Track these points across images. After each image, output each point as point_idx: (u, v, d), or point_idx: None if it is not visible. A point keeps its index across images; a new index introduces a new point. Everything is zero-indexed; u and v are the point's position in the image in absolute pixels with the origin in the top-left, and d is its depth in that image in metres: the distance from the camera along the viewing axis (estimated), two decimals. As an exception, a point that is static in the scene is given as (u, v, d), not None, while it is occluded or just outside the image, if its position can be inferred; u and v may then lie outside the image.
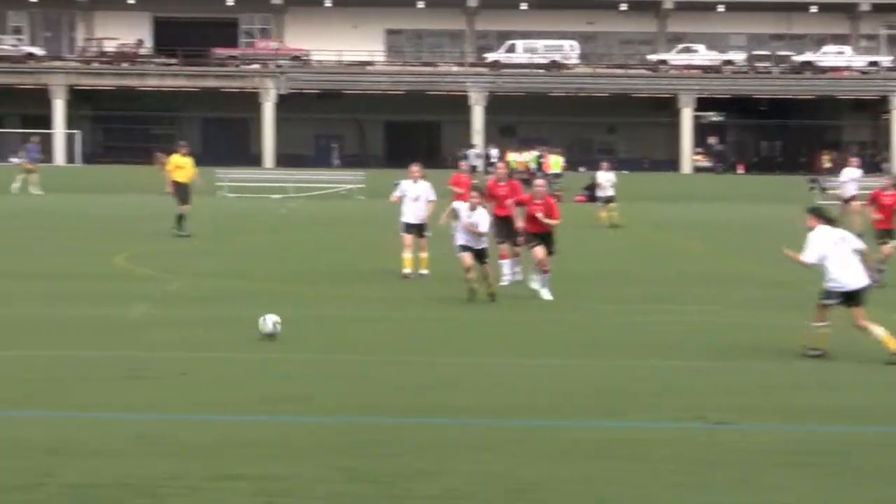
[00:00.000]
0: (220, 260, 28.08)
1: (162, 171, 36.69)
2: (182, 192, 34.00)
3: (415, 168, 25.18)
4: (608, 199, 42.26)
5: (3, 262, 27.06)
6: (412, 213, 24.40)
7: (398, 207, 24.83)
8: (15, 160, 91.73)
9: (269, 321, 16.42)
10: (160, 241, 32.57)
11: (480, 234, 20.90)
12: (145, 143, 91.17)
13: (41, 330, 17.54)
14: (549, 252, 21.55)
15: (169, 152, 36.55)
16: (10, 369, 14.43)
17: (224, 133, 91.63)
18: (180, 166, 34.28)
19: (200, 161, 75.06)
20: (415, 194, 24.57)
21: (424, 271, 24.35)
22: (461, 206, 21.30)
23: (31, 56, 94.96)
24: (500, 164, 24.58)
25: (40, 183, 57.33)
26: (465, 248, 20.87)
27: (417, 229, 24.34)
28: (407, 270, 23.99)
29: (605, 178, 42.82)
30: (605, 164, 44.75)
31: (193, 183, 34.55)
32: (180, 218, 33.75)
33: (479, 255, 20.90)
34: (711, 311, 20.55)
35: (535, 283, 21.66)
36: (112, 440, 11.03)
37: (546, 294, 21.33)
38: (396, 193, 25.30)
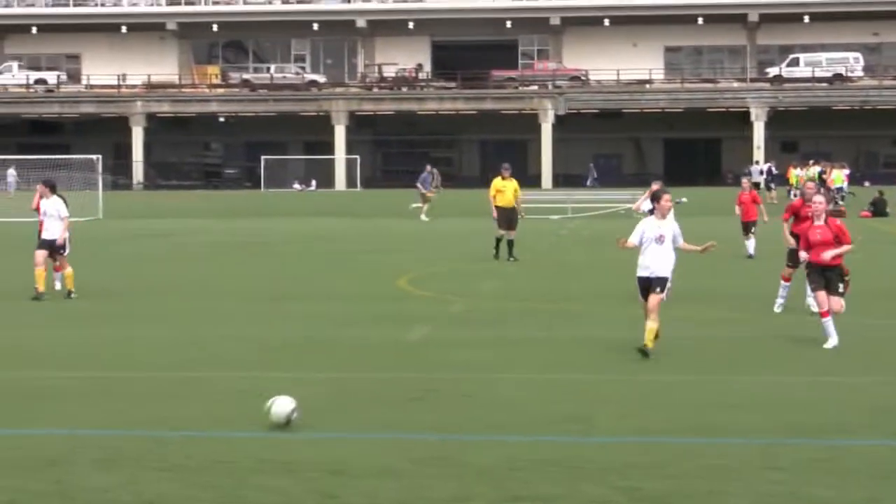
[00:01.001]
0: (501, 281, 28.02)
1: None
2: (503, 216, 32.59)
3: (656, 186, 24.64)
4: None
5: (288, 285, 27.57)
6: None
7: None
8: (297, 186, 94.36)
9: (284, 409, 12.37)
10: (441, 264, 32.74)
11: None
12: (423, 166, 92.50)
13: (323, 351, 17.68)
14: (834, 290, 17.67)
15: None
16: (293, 391, 14.52)
17: (502, 155, 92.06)
18: (500, 190, 32.82)
19: (478, 184, 75.80)
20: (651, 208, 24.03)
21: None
22: (646, 222, 17.29)
23: (313, 83, 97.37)
24: (810, 185, 22.65)
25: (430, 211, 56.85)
26: (641, 281, 17.00)
27: None
28: None
29: None
30: None
31: (517, 207, 33.06)
32: (498, 241, 32.57)
33: (654, 285, 16.87)
34: None
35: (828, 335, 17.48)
36: (396, 461, 10.93)
37: (832, 341, 17.40)
38: (643, 208, 24.94)
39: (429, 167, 63.26)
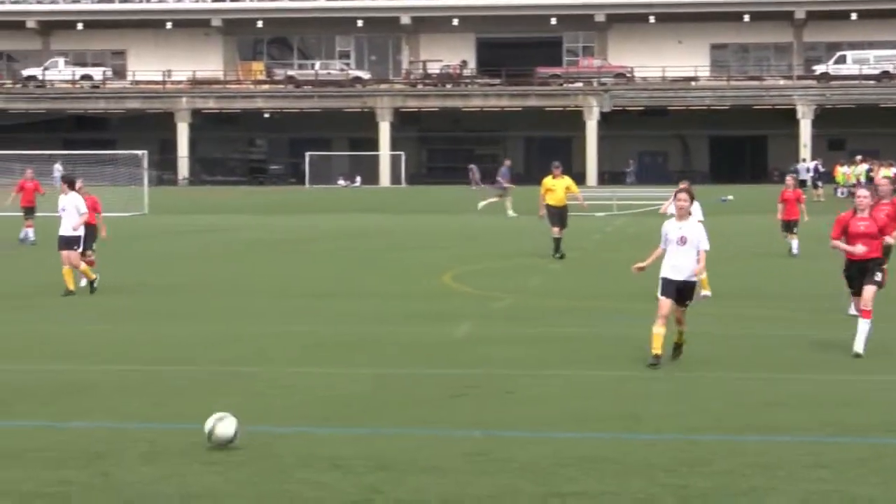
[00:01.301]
0: (546, 278, 27.97)
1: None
2: (554, 215, 32.36)
3: (684, 185, 24.26)
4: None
5: (332, 281, 27.61)
6: None
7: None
8: (342, 183, 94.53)
9: (225, 429, 11.29)
10: (486, 260, 32.72)
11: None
12: (468, 163, 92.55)
13: (367, 348, 17.68)
14: (870, 279, 16.70)
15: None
16: (336, 387, 14.54)
17: (547, 152, 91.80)
18: (551, 189, 32.52)
19: (523, 180, 75.74)
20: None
21: None
22: (668, 224, 16.43)
23: (357, 80, 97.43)
24: (883, 181, 21.19)
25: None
26: (666, 282, 16.02)
27: None
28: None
29: None
30: None
31: (571, 204, 32.93)
32: (556, 241, 32.27)
33: (682, 294, 16.02)
34: None
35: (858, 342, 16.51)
36: (440, 457, 10.91)
37: (859, 346, 16.43)
38: (671, 210, 24.59)
39: (507, 161, 62.86)
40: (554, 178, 32.76)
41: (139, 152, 69.42)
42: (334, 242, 39.95)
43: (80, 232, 24.69)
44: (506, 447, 11.31)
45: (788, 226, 33.22)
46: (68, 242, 24.51)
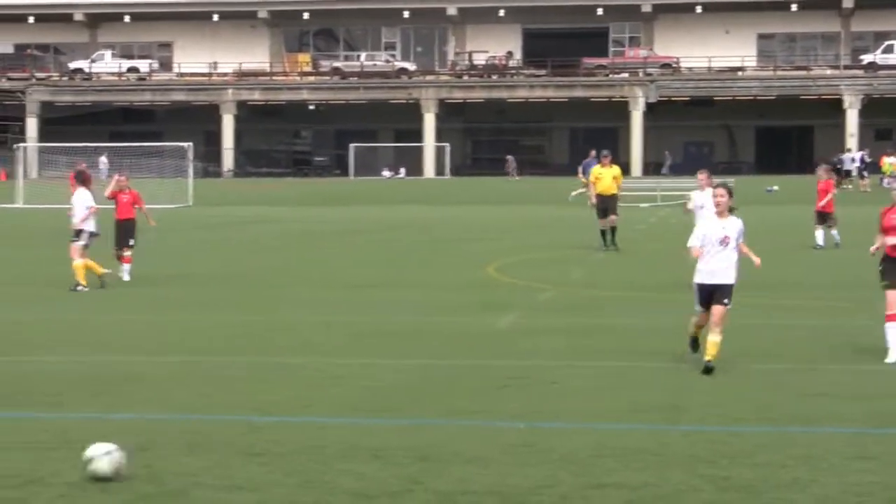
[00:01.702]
0: (591, 269, 27.96)
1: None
2: (600, 203, 32.30)
3: (702, 176, 24.02)
4: None
5: (377, 272, 27.68)
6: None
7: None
8: (387, 174, 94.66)
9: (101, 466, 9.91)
10: (530, 251, 32.74)
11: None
12: (513, 154, 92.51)
13: (412, 338, 17.74)
14: None
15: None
16: (380, 377, 14.59)
17: (592, 143, 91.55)
18: (599, 177, 32.54)
19: (568, 171, 75.58)
20: (701, 203, 23.40)
21: None
22: (708, 223, 15.12)
23: (403, 71, 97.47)
24: None
25: None
26: (701, 289, 14.91)
27: None
28: None
29: None
30: None
31: (618, 194, 32.86)
32: (603, 233, 32.32)
33: (718, 295, 14.77)
34: None
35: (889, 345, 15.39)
36: (483, 448, 10.94)
37: (894, 355, 15.28)
38: (689, 206, 24.38)
39: (592, 152, 62.51)
40: (602, 166, 32.86)
41: (185, 144, 69.72)
42: (378, 234, 40.05)
43: (86, 228, 24.62)
44: (547, 438, 11.33)
45: (822, 217, 33.07)
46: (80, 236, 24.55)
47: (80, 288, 23.95)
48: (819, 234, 32.82)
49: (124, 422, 12.13)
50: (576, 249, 32.63)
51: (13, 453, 10.81)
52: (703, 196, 23.39)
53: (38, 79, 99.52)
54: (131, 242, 25.99)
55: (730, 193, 14.96)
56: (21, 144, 75.75)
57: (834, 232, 32.94)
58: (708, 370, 14.41)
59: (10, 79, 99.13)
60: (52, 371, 15.07)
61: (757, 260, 15.24)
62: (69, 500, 9.42)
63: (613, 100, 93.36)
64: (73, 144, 68.61)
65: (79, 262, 24.17)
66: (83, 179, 25.49)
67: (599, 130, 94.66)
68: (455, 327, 18.71)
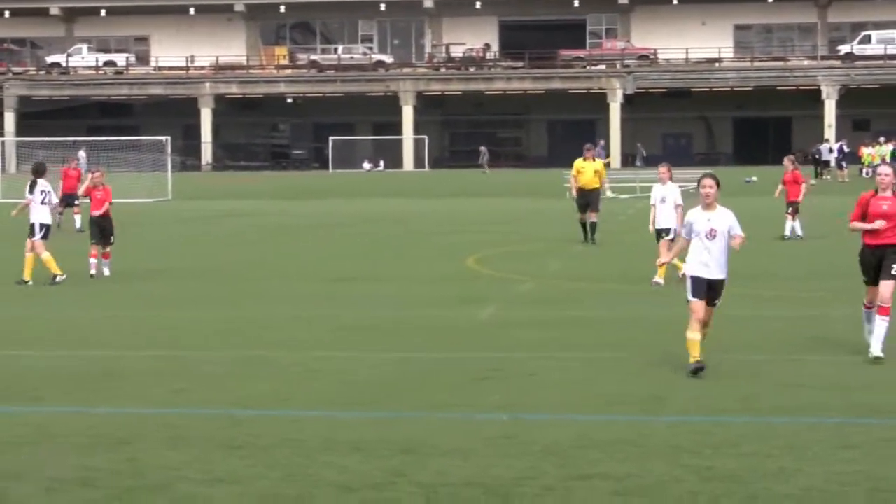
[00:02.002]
0: (570, 261, 27.98)
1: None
2: (582, 197, 31.90)
3: (663, 169, 24.08)
4: None
5: (356, 266, 27.64)
6: (661, 216, 23.46)
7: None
8: (367, 166, 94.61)
9: None
10: (509, 244, 32.73)
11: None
12: (491, 146, 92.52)
13: (392, 331, 17.73)
14: (887, 273, 14.99)
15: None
16: (360, 371, 14.58)
17: (570, 135, 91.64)
18: (581, 171, 32.07)
19: (546, 163, 75.59)
20: (661, 196, 23.56)
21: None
22: (694, 213, 14.35)
23: (380, 64, 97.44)
24: None
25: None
26: (696, 282, 14.09)
27: (666, 233, 23.16)
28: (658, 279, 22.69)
29: None
30: None
31: (602, 187, 32.63)
32: (584, 227, 31.89)
33: (713, 293, 14.18)
34: None
35: (872, 340, 15.06)
36: (464, 440, 10.93)
37: (876, 348, 14.92)
38: (651, 201, 24.25)
39: (601, 142, 62.20)
40: (584, 160, 32.48)
41: (162, 138, 69.57)
42: (356, 227, 40.02)
43: (40, 220, 24.37)
44: (529, 430, 11.33)
45: (792, 206, 33.27)
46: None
47: (58, 279, 23.88)
48: (789, 226, 33.08)
49: (105, 416, 12.09)
50: (555, 242, 32.64)
51: (-7, 449, 10.77)
52: (662, 189, 23.50)
53: (15, 73, 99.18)
54: (112, 239, 25.92)
55: (718, 184, 14.30)
56: (4, 139, 75.39)
57: (796, 223, 33.11)
58: (698, 372, 13.79)
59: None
60: (32, 366, 15.01)
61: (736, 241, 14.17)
62: (51, 494, 9.39)
63: (591, 92, 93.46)
64: (52, 139, 68.35)
65: (46, 255, 24.07)
66: (38, 171, 25.21)
67: (578, 122, 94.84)
68: (434, 321, 18.70)
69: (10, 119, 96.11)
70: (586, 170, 32.19)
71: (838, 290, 21.26)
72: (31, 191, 24.55)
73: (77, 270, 25.05)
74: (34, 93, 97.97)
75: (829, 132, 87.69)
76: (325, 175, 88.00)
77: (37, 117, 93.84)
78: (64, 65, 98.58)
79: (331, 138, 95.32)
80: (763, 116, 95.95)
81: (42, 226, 24.37)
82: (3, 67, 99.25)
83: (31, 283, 23.87)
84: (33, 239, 24.27)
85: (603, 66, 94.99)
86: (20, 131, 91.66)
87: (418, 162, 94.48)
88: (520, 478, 9.69)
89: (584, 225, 32.15)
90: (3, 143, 76.47)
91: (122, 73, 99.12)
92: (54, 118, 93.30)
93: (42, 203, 24.53)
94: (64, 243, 29.99)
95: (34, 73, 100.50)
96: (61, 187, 39.17)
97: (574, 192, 32.75)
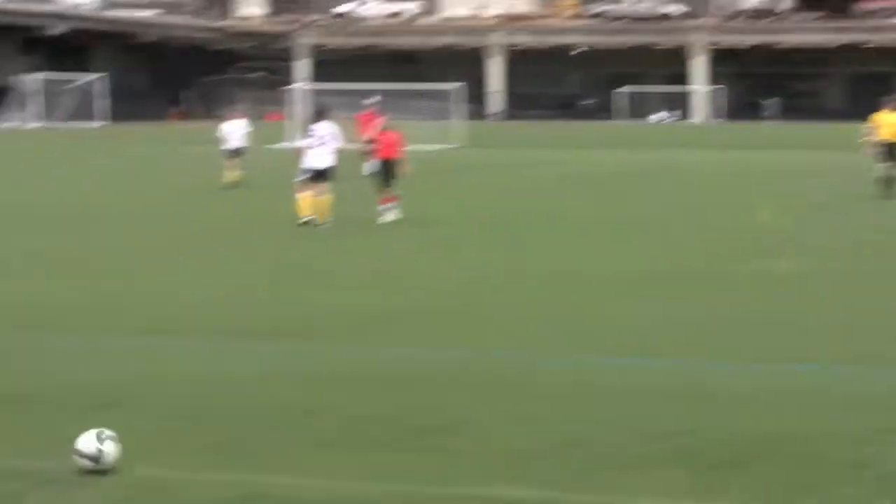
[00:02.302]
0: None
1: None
2: (886, 151, 30.48)
3: None
4: None
5: (660, 216, 27.22)
6: None
7: None
8: (654, 118, 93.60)
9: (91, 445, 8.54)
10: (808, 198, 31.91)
11: None
12: (786, 99, 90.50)
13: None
14: None
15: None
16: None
17: (868, 88, 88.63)
18: (883, 124, 30.69)
19: (845, 117, 73.50)
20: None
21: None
22: None
23: (666, 16, 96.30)
24: None
25: None
26: None
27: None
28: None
29: None
30: None
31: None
32: (887, 181, 30.44)
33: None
34: None
35: None
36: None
37: None
38: None
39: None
40: (891, 111, 31.20)
41: (455, 85, 69.98)
42: (650, 179, 39.39)
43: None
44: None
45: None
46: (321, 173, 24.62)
47: (309, 220, 24.00)
48: None
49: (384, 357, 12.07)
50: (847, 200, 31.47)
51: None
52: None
53: (305, 23, 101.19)
54: (393, 182, 25.71)
55: None
56: (298, 85, 77.12)
57: None
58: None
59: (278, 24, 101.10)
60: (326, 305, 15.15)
61: None
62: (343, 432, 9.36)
63: (890, 45, 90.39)
64: (346, 86, 69.51)
65: (320, 197, 24.20)
66: (319, 114, 25.32)
67: (876, 76, 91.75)
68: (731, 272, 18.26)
69: (303, 66, 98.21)
70: (889, 122, 30.92)
71: None
72: (311, 133, 24.66)
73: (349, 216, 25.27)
74: (327, 40, 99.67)
75: None
76: (613, 125, 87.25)
77: (329, 66, 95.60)
78: (352, 14, 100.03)
79: (619, 89, 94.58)
80: None
81: (313, 169, 24.51)
82: (295, 16, 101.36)
83: (315, 219, 24.11)
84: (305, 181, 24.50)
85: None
86: (314, 80, 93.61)
87: (709, 114, 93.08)
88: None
89: (885, 179, 30.82)
90: (301, 90, 78.13)
91: (411, 22, 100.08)
92: (344, 67, 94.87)
93: (321, 145, 24.60)
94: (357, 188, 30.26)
95: (325, 23, 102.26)
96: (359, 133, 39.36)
97: (871, 148, 31.41)
